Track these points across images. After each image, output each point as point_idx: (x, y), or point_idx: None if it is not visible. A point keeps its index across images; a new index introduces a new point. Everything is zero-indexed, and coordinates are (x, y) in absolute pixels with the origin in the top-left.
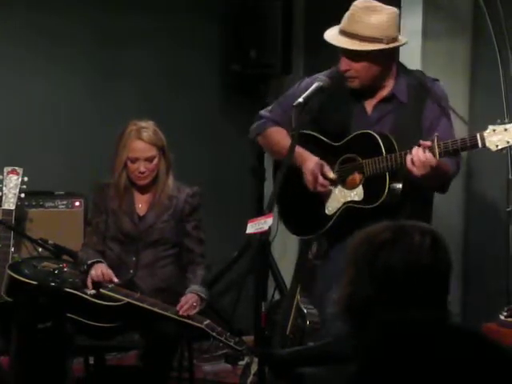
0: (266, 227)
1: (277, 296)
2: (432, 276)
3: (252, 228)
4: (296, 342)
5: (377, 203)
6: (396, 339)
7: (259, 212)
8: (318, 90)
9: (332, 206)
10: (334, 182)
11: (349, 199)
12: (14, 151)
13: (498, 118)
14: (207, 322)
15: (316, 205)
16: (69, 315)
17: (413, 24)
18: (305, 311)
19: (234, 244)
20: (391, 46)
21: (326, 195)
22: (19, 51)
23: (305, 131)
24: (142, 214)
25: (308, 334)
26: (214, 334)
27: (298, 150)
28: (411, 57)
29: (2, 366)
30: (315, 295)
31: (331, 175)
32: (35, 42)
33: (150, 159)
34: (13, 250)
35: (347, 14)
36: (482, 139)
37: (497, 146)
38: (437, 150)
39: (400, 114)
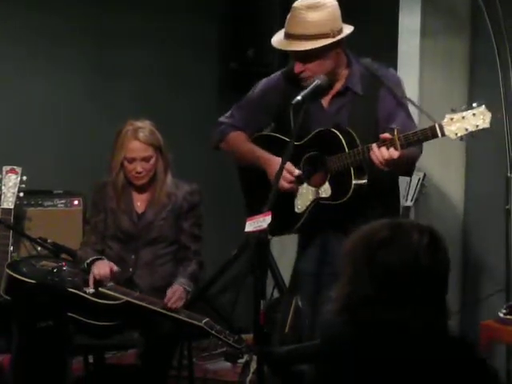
0: (264, 225)
1: (276, 294)
2: (430, 274)
3: (251, 226)
4: (295, 339)
5: (344, 199)
6: (378, 339)
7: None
8: (317, 87)
9: (301, 204)
10: (299, 180)
11: (316, 196)
12: (12, 150)
13: (452, 107)
14: (206, 320)
15: (285, 205)
16: (68, 314)
17: (411, 23)
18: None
19: (233, 242)
20: (338, 38)
21: (294, 194)
22: (19, 51)
23: (265, 133)
24: (140, 211)
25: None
26: (213, 332)
27: (260, 153)
28: (410, 56)
29: (3, 365)
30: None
31: (296, 172)
32: (35, 42)
33: (146, 159)
34: (12, 249)
35: (289, 17)
36: (441, 129)
37: (456, 134)
38: (398, 144)
39: (355, 106)
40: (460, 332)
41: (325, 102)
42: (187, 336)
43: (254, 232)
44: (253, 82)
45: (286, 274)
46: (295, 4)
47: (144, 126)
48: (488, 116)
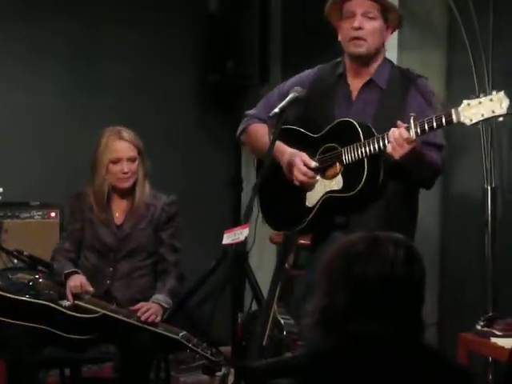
0: (242, 238)
1: (254, 307)
2: (406, 287)
3: (228, 238)
4: (273, 352)
5: (355, 190)
6: (356, 351)
7: (236, 222)
8: (294, 100)
9: (312, 198)
10: (315, 172)
11: (328, 189)
12: None
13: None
14: (183, 333)
15: (297, 199)
16: (45, 327)
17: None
18: (282, 322)
19: (212, 254)
20: (397, 24)
21: (306, 188)
22: None
23: (287, 126)
24: (119, 223)
25: (285, 344)
26: (190, 345)
27: (278, 145)
28: None
29: None
30: (293, 305)
31: (312, 164)
32: (12, 52)
33: (132, 159)
34: None
35: None
36: (457, 114)
37: (471, 119)
38: (413, 129)
39: (382, 102)
40: (438, 344)
41: (354, 92)
42: (164, 349)
43: (231, 244)
44: (233, 95)
45: (265, 286)
46: None
47: (125, 129)
48: (506, 102)
